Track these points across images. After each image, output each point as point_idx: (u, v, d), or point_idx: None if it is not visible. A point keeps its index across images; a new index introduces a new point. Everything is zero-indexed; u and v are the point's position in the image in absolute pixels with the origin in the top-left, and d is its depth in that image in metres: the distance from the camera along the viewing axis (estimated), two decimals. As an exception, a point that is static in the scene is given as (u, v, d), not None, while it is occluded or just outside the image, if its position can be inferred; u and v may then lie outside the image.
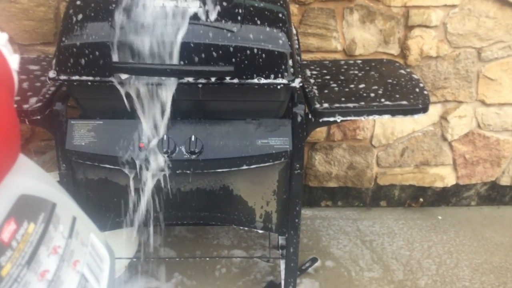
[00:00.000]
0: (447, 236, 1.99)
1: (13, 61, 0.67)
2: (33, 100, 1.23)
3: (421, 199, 2.16)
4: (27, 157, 0.69)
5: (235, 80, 1.16)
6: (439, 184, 2.13)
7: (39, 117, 1.22)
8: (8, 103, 0.62)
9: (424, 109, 1.29)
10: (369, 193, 2.14)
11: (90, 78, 1.15)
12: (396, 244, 1.93)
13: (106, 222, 1.34)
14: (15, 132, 0.61)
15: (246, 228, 1.58)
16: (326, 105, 1.28)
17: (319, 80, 1.44)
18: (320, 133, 1.98)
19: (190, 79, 1.15)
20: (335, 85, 1.40)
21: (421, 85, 1.38)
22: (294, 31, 1.33)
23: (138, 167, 1.23)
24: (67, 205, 0.71)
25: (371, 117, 1.28)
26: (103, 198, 1.32)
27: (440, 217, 2.11)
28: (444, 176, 2.11)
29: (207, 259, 1.81)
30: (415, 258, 1.85)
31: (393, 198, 2.16)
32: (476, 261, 1.85)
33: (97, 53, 1.13)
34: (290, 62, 1.17)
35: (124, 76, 1.14)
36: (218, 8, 1.15)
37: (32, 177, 0.65)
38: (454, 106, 1.98)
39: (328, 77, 1.46)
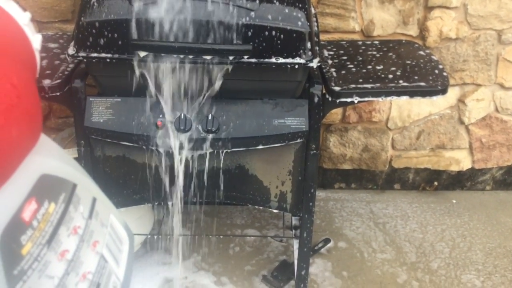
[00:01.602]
0: (461, 220, 1.98)
1: (36, 40, 0.67)
2: (52, 77, 1.24)
3: (435, 183, 2.15)
4: (48, 138, 0.69)
5: (253, 59, 1.16)
6: (454, 168, 2.11)
7: (58, 93, 1.23)
8: (30, 83, 0.62)
9: (443, 91, 1.27)
10: (383, 176, 2.13)
11: (109, 55, 1.16)
12: (409, 227, 1.93)
13: (123, 199, 1.36)
14: (38, 112, 0.62)
15: (260, 208, 1.59)
16: (343, 85, 1.27)
17: (337, 61, 1.43)
18: (335, 114, 1.97)
19: (208, 58, 1.15)
20: (352, 65, 1.39)
21: (441, 66, 1.37)
22: (313, 11, 1.31)
23: (155, 144, 1.24)
24: (87, 186, 0.72)
25: (389, 98, 1.27)
26: (121, 175, 1.33)
27: (454, 201, 2.10)
28: (460, 160, 2.10)
29: (221, 237, 1.83)
30: (428, 241, 1.86)
31: (407, 181, 2.15)
32: (489, 245, 1.85)
33: (115, 30, 1.13)
34: (309, 42, 1.17)
35: (142, 54, 1.14)
36: (237, -14, 1.14)
37: (53, 158, 0.65)
38: (472, 89, 1.96)
39: (345, 57, 1.45)
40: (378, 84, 1.28)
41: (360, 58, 1.44)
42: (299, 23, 1.15)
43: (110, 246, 0.73)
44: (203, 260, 1.73)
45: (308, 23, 1.16)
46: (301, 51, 1.17)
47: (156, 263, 1.70)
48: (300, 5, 1.17)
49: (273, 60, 1.16)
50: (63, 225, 0.61)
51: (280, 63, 1.17)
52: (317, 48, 1.22)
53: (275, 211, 1.42)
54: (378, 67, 1.37)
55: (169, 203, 1.36)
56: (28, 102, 0.57)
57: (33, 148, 0.61)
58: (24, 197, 0.55)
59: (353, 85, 1.27)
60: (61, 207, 0.61)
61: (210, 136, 1.24)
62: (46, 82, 1.21)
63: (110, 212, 0.77)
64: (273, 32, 1.14)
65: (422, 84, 1.28)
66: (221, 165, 1.31)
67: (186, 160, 1.28)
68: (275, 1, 1.16)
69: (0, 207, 0.51)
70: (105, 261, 0.69)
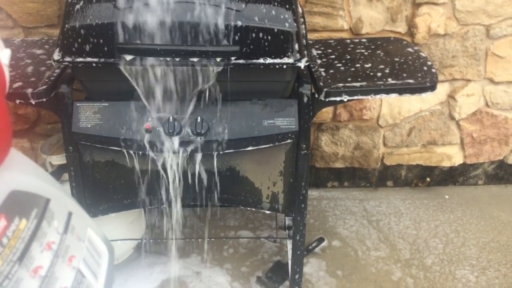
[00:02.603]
0: (454, 215, 1.98)
1: (4, 56, 0.66)
2: (38, 82, 1.23)
3: (428, 179, 2.15)
4: (20, 152, 0.68)
5: (241, 61, 1.15)
6: (446, 164, 2.12)
7: (44, 99, 1.22)
8: None
9: (432, 87, 1.27)
10: (376, 174, 2.13)
11: (95, 59, 1.15)
12: (402, 224, 1.93)
13: (113, 204, 1.35)
14: (6, 128, 0.60)
15: (253, 209, 1.58)
16: (332, 84, 1.27)
17: (325, 60, 1.43)
18: (326, 113, 1.97)
19: (195, 60, 1.14)
20: (341, 64, 1.39)
21: (429, 63, 1.36)
22: (300, 10, 1.31)
23: (144, 148, 1.23)
24: (62, 200, 0.70)
25: (378, 96, 1.26)
26: (110, 180, 1.32)
27: (447, 197, 2.11)
28: (452, 155, 2.10)
29: (215, 240, 1.83)
30: (422, 237, 1.86)
31: (399, 178, 2.15)
32: (483, 239, 1.85)
33: (101, 34, 1.12)
34: (296, 41, 1.16)
35: (128, 57, 1.13)
36: (222, -14, 1.14)
37: (24, 173, 0.64)
38: (462, 85, 1.96)
39: (334, 56, 1.45)
40: (367, 82, 1.27)
41: (349, 57, 1.44)
42: (286, 23, 1.15)
43: (88, 260, 0.72)
44: (197, 263, 1.72)
45: (296, 23, 1.15)
46: (289, 51, 1.16)
47: (148, 266, 1.69)
48: (287, 5, 1.16)
49: (261, 60, 1.16)
50: (36, 241, 0.59)
51: (268, 63, 1.16)
52: (305, 47, 1.22)
53: (268, 212, 1.42)
54: (366, 65, 1.37)
55: (161, 207, 1.35)
56: None
57: (2, 164, 0.59)
58: None
59: (342, 84, 1.27)
60: (33, 223, 0.60)
61: (200, 138, 1.23)
62: (31, 88, 1.20)
63: (87, 225, 0.75)
64: (260, 33, 1.13)
65: (411, 81, 1.28)
66: (212, 168, 1.30)
67: (176, 163, 1.27)
68: (261, 2, 1.16)
69: None
70: (83, 276, 0.68)
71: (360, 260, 1.75)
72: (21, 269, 0.56)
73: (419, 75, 1.30)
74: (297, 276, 1.52)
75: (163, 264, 1.70)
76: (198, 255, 1.75)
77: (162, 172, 1.28)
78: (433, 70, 1.33)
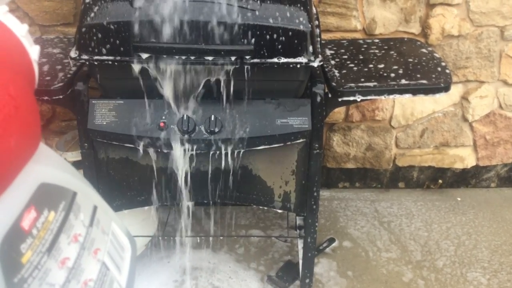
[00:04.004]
0: (466, 218, 1.97)
1: (34, 51, 0.68)
2: (54, 80, 1.25)
3: (440, 181, 2.14)
4: (48, 147, 0.69)
5: (255, 60, 1.16)
6: (458, 166, 2.11)
7: (61, 96, 1.23)
8: (29, 94, 0.62)
9: (446, 88, 1.27)
10: (387, 175, 2.13)
11: (111, 58, 1.16)
12: (414, 225, 1.92)
13: (127, 201, 1.37)
14: (36, 122, 0.62)
15: (264, 208, 1.58)
16: (346, 84, 1.27)
17: (339, 60, 1.43)
18: (338, 114, 1.97)
19: (210, 58, 1.15)
20: (354, 64, 1.39)
21: (443, 63, 1.36)
22: (314, 10, 1.31)
23: (158, 146, 1.24)
24: (88, 194, 0.72)
25: (391, 97, 1.26)
26: (124, 177, 1.34)
27: (459, 199, 2.09)
28: (464, 157, 2.09)
29: (226, 238, 1.83)
30: (433, 239, 1.85)
31: (411, 180, 2.14)
32: (495, 242, 1.84)
33: (117, 32, 1.14)
34: (310, 41, 1.17)
35: (144, 56, 1.14)
36: (237, -14, 1.14)
37: (52, 166, 0.65)
38: (475, 86, 1.95)
39: (347, 56, 1.45)
40: (380, 83, 1.27)
41: (362, 57, 1.44)
42: (301, 22, 1.15)
43: (112, 253, 0.73)
44: (209, 261, 1.73)
45: (310, 23, 1.16)
46: (303, 50, 1.16)
47: (159, 262, 1.70)
48: (302, 5, 1.17)
49: (275, 60, 1.16)
50: (64, 233, 0.61)
51: (282, 63, 1.17)
52: (319, 47, 1.22)
53: (279, 211, 1.42)
54: (380, 66, 1.37)
55: (173, 205, 1.36)
56: (26, 112, 0.58)
57: (32, 157, 0.61)
58: (23, 206, 0.55)
59: (355, 84, 1.27)
60: (61, 215, 0.61)
61: (213, 137, 1.23)
62: (48, 85, 1.22)
63: (111, 220, 0.77)
64: (275, 32, 1.14)
65: (425, 81, 1.28)
66: (225, 166, 1.31)
67: (190, 161, 1.28)
68: (276, 1, 1.16)
69: None
70: (107, 269, 0.69)
71: (371, 261, 1.75)
72: (50, 260, 0.58)
73: (433, 76, 1.30)
74: (307, 276, 1.52)
75: (174, 261, 1.71)
76: (209, 252, 1.76)
77: (175, 169, 1.30)
78: (447, 71, 1.32)
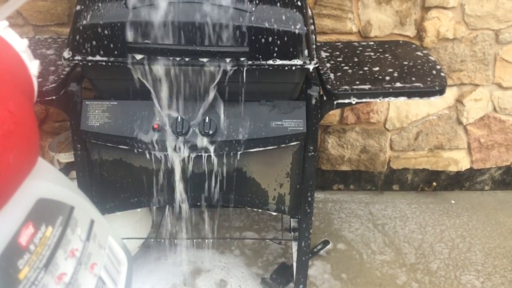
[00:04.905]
0: (460, 220, 1.98)
1: (33, 67, 0.67)
2: (47, 81, 1.24)
3: (434, 183, 2.14)
4: (45, 160, 0.69)
5: (250, 61, 1.15)
6: (453, 168, 2.11)
7: (54, 97, 1.22)
8: (28, 109, 0.62)
9: (441, 91, 1.27)
10: (382, 177, 2.13)
11: (105, 58, 1.15)
12: (408, 228, 1.92)
13: (120, 203, 1.36)
14: (35, 138, 0.61)
15: (258, 210, 1.58)
16: (341, 87, 1.27)
17: (334, 62, 1.43)
18: (333, 116, 1.97)
19: (204, 60, 1.14)
20: (349, 67, 1.39)
21: (438, 67, 1.36)
22: (310, 13, 1.31)
23: (151, 148, 1.23)
24: (85, 208, 0.72)
25: (386, 99, 1.26)
26: (118, 179, 1.33)
27: (453, 202, 2.10)
28: (458, 160, 2.09)
29: (221, 240, 1.83)
30: (427, 242, 1.85)
31: (406, 182, 2.15)
32: (489, 245, 1.85)
33: (111, 33, 1.13)
34: (306, 43, 1.16)
35: (138, 57, 1.13)
36: (233, -13, 1.14)
37: (50, 181, 0.65)
38: (470, 89, 1.95)
39: (342, 59, 1.45)
40: (375, 85, 1.27)
41: (357, 60, 1.44)
42: (296, 24, 1.15)
43: (108, 268, 0.73)
44: (203, 263, 1.72)
45: (305, 25, 1.15)
46: (299, 53, 1.16)
47: (153, 263, 1.70)
48: (297, 7, 1.17)
49: (270, 62, 1.16)
50: (61, 248, 0.60)
51: (277, 65, 1.16)
52: (314, 49, 1.22)
53: (274, 213, 1.42)
54: (375, 68, 1.37)
55: (167, 207, 1.35)
56: (25, 128, 0.57)
57: (30, 173, 0.60)
58: (21, 221, 0.55)
59: (350, 86, 1.27)
60: (59, 230, 0.61)
61: (207, 139, 1.23)
62: (42, 86, 1.20)
63: (108, 233, 0.76)
64: (270, 34, 1.14)
65: (420, 84, 1.28)
66: (219, 168, 1.31)
67: (184, 163, 1.27)
68: (271, 3, 1.16)
69: None
70: (103, 283, 0.69)
71: (365, 263, 1.75)
72: (47, 275, 0.57)
73: (428, 79, 1.30)
74: (301, 279, 1.52)
75: (168, 263, 1.70)
76: (204, 253, 1.75)
77: (168, 171, 1.29)
78: (442, 74, 1.32)
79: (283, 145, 1.27)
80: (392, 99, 1.27)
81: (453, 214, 2.01)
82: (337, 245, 1.83)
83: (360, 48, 1.52)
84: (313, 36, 1.29)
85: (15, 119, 0.54)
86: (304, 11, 1.17)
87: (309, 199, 1.38)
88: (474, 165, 2.11)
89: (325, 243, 1.83)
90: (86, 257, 0.66)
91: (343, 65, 1.40)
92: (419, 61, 1.41)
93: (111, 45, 1.14)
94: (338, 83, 1.29)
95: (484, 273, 1.71)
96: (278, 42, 1.14)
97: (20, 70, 0.64)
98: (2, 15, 0.68)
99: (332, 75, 1.33)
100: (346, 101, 1.26)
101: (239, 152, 1.27)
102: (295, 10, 1.16)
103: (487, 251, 1.82)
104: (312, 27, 1.31)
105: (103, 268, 0.70)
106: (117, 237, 0.79)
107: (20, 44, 0.63)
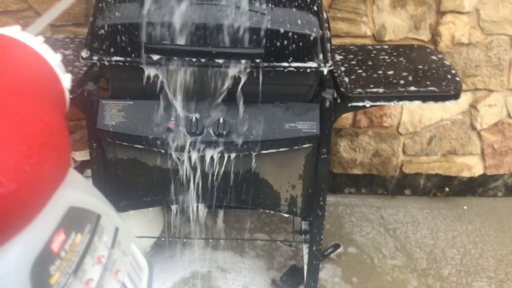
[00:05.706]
0: (472, 226, 1.96)
1: (66, 80, 0.69)
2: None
3: (446, 189, 2.13)
4: (74, 170, 0.72)
5: (265, 63, 1.16)
6: (466, 174, 2.10)
7: (71, 96, 1.24)
8: (61, 121, 0.64)
9: (456, 96, 1.27)
10: (394, 181, 2.12)
11: (122, 59, 1.17)
12: (420, 233, 1.92)
13: (134, 201, 1.37)
14: (67, 148, 0.64)
15: (270, 212, 1.58)
16: (355, 90, 1.27)
17: (348, 65, 1.43)
18: (346, 119, 1.97)
19: (220, 61, 1.15)
20: (363, 70, 1.39)
21: (453, 71, 1.36)
22: (325, 16, 1.32)
23: (166, 147, 1.24)
24: (110, 216, 0.74)
25: (401, 103, 1.26)
26: (132, 178, 1.34)
27: (465, 207, 2.08)
28: (472, 165, 2.08)
29: (232, 242, 1.83)
30: (439, 247, 1.84)
31: (418, 187, 2.14)
32: (501, 252, 1.83)
33: (129, 34, 1.14)
34: (321, 46, 1.17)
35: (155, 57, 1.15)
36: (249, -10, 1.15)
37: (80, 190, 0.68)
38: (484, 95, 1.94)
39: (356, 62, 1.45)
40: (389, 89, 1.27)
41: (371, 63, 1.44)
42: (312, 27, 1.15)
43: (131, 274, 0.75)
44: (216, 263, 1.73)
45: (321, 28, 1.16)
46: (314, 55, 1.17)
47: (163, 262, 1.71)
48: (313, 10, 1.17)
49: (285, 64, 1.17)
50: (88, 254, 0.63)
51: (292, 67, 1.17)
52: (329, 52, 1.22)
53: (285, 215, 1.42)
54: (389, 72, 1.37)
55: (179, 206, 1.36)
56: (59, 139, 0.60)
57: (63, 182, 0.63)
58: (54, 229, 0.57)
59: (364, 90, 1.27)
60: (87, 237, 0.64)
61: (221, 139, 1.24)
62: (60, 84, 1.22)
63: (131, 241, 0.79)
64: (286, 36, 1.14)
65: (435, 89, 1.27)
66: (232, 169, 1.31)
67: (197, 163, 1.28)
68: (287, 6, 1.17)
69: (32, 239, 0.54)
70: None
71: (376, 268, 1.75)
72: (76, 281, 0.60)
73: (443, 83, 1.30)
74: (312, 282, 1.52)
75: (179, 260, 1.71)
76: (214, 254, 1.76)
77: (182, 171, 1.30)
78: (457, 79, 1.32)
79: (296, 147, 1.28)
80: (406, 103, 1.27)
81: (465, 220, 2.00)
82: (348, 248, 1.83)
83: (375, 52, 1.52)
84: (328, 39, 1.29)
85: (50, 130, 0.56)
86: (320, 14, 1.18)
87: (321, 202, 1.38)
88: (487, 171, 2.10)
89: (336, 246, 1.83)
90: (111, 263, 0.69)
91: (357, 68, 1.41)
92: (433, 65, 1.40)
93: (128, 46, 1.15)
94: (352, 86, 1.29)
95: (496, 280, 1.70)
96: (294, 44, 1.15)
97: (54, 83, 0.67)
98: (36, 30, 0.71)
99: (346, 78, 1.34)
100: (360, 104, 1.26)
101: (252, 153, 1.27)
102: (310, 13, 1.17)
103: (500, 258, 1.80)
104: (327, 30, 1.32)
105: (126, 275, 0.72)
106: (139, 244, 0.82)
107: (54, 59, 0.66)
